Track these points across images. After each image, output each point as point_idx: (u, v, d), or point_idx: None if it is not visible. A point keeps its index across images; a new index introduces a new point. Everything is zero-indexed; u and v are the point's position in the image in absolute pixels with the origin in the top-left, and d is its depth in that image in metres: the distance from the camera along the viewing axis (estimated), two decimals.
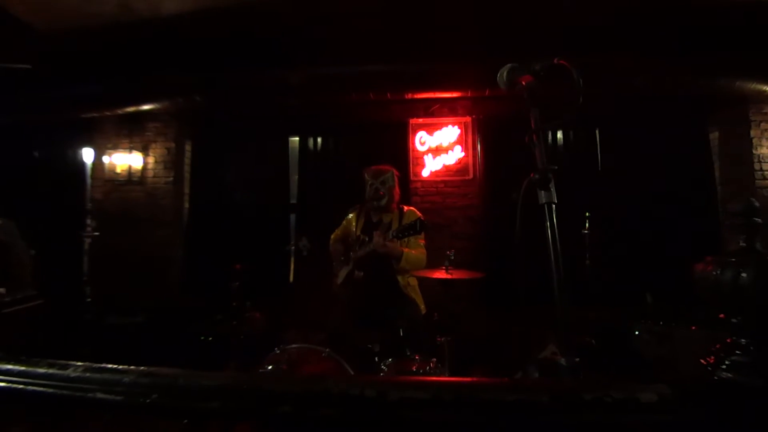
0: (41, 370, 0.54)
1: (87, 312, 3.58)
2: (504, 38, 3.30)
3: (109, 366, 0.53)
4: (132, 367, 0.50)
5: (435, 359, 2.17)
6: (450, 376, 2.14)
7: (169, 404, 0.45)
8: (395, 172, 2.68)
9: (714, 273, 0.53)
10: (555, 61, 0.89)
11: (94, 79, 3.93)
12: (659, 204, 3.87)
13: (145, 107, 4.08)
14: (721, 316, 0.53)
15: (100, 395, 0.48)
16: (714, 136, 4.03)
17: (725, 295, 0.51)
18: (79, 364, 0.54)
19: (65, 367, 0.54)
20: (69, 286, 3.71)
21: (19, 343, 2.85)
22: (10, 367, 0.57)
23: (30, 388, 0.53)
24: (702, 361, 0.50)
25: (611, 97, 3.67)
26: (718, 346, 0.52)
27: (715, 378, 0.47)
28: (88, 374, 0.52)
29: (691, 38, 3.33)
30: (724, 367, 0.48)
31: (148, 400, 0.45)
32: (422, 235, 2.52)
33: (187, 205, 4.62)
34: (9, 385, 0.53)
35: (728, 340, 0.51)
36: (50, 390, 0.51)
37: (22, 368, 0.56)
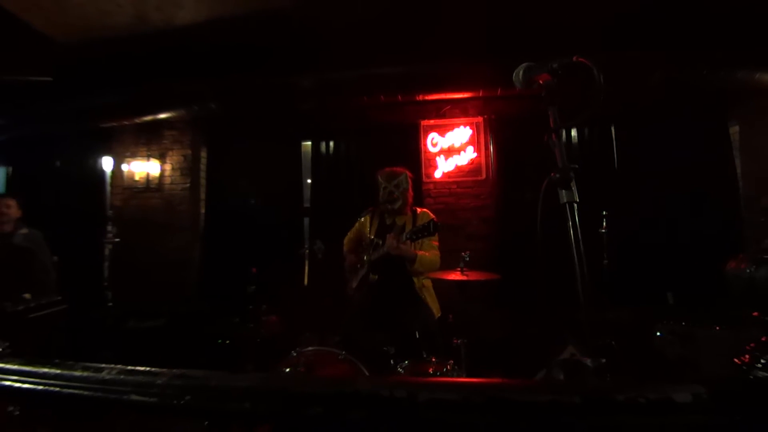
0: (77, 373, 0.55)
1: (108, 316, 3.66)
2: (515, 37, 3.28)
3: (142, 368, 0.54)
4: (164, 369, 0.51)
5: (451, 361, 2.16)
6: (467, 377, 2.13)
7: (202, 405, 0.46)
8: (408, 174, 2.68)
9: (747, 270, 0.52)
10: (574, 59, 0.88)
11: (112, 89, 4.03)
12: (678, 201, 3.78)
13: (162, 116, 4.18)
14: (755, 314, 0.52)
15: (134, 397, 0.49)
16: (734, 130, 3.92)
17: (759, 292, 0.49)
18: (113, 366, 0.56)
19: (99, 370, 0.56)
20: (90, 291, 3.80)
21: (44, 347, 2.93)
22: (46, 370, 0.59)
23: (66, 391, 0.55)
24: (736, 360, 0.49)
25: (627, 92, 3.60)
26: (752, 345, 0.50)
27: (751, 377, 0.46)
28: (122, 377, 0.53)
29: (709, 31, 3.26)
30: (759, 366, 0.47)
31: (181, 402, 0.46)
32: (436, 237, 2.51)
33: (203, 210, 4.70)
34: (47, 388, 0.55)
35: (763, 339, 0.49)
36: (86, 393, 0.52)
37: (58, 371, 0.58)
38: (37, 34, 3.47)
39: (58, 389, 0.55)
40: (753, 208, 3.60)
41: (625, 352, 2.78)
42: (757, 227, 3.45)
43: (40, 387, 0.55)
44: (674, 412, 0.42)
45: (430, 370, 2.10)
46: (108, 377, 0.53)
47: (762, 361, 0.46)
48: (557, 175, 0.83)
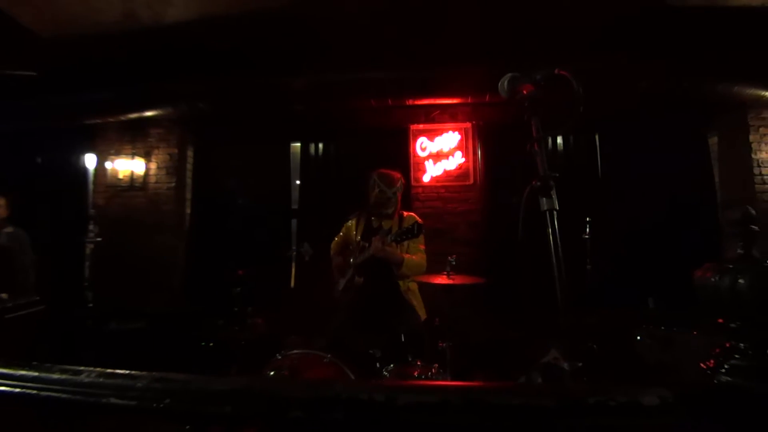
0: (55, 376, 0.55)
1: (89, 317, 3.58)
2: (504, 44, 3.34)
3: (122, 371, 0.54)
4: (144, 372, 0.51)
5: (437, 365, 2.17)
6: (452, 380, 2.14)
7: (182, 409, 0.46)
8: (403, 180, 2.70)
9: (713, 279, 0.54)
10: (555, 71, 0.91)
11: (98, 86, 3.97)
12: (660, 208, 3.88)
13: (148, 113, 4.12)
14: (720, 321, 0.55)
15: (114, 400, 0.49)
16: (713, 140, 4.05)
17: (724, 300, 0.52)
18: (92, 369, 0.55)
19: (78, 372, 0.55)
20: (71, 292, 3.71)
21: (21, 349, 2.85)
22: (23, 372, 0.58)
23: (44, 393, 0.54)
24: (702, 365, 0.51)
25: (611, 102, 3.70)
26: (717, 350, 0.53)
27: (715, 382, 0.48)
28: (101, 380, 0.53)
29: (690, 43, 3.37)
30: (723, 371, 0.49)
31: (161, 405, 0.46)
32: (422, 240, 2.53)
33: (189, 210, 4.64)
34: (24, 391, 0.55)
35: (727, 345, 0.52)
36: (64, 396, 0.52)
37: (36, 374, 0.57)
38: (24, 29, 3.39)
39: (35, 392, 0.54)
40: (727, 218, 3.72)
41: (606, 355, 2.84)
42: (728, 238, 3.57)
43: (18, 389, 0.54)
44: (642, 414, 0.43)
45: (416, 374, 2.11)
46: (87, 380, 0.53)
47: (725, 366, 0.48)
48: (538, 184, 0.85)
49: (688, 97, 3.65)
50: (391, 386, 0.46)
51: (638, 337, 2.96)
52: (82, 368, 0.55)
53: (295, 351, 2.14)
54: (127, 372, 0.52)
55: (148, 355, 3.51)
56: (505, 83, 1.04)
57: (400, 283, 2.52)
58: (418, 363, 2.15)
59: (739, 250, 0.56)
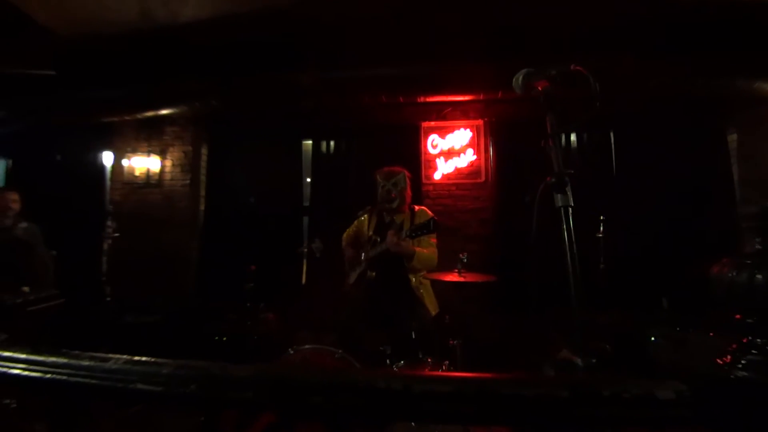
0: (84, 363, 0.57)
1: (105, 311, 3.67)
2: (516, 41, 3.31)
3: (147, 359, 0.56)
4: (169, 360, 0.53)
5: (447, 362, 2.18)
6: None
7: (206, 394, 0.48)
8: (407, 173, 2.69)
9: (730, 274, 0.54)
10: (572, 67, 0.90)
11: (115, 84, 4.05)
12: (676, 207, 3.81)
13: (164, 112, 4.19)
14: (737, 316, 0.54)
15: (140, 386, 0.51)
16: (732, 137, 3.96)
17: (741, 296, 0.51)
18: (119, 356, 0.58)
19: (106, 359, 0.58)
20: (88, 286, 3.80)
21: (40, 340, 2.94)
22: (54, 359, 0.61)
23: (74, 379, 0.57)
24: (718, 360, 0.51)
25: (626, 98, 3.64)
26: (734, 346, 0.53)
27: (732, 377, 0.48)
28: (128, 366, 0.55)
29: (709, 38, 3.29)
30: (740, 366, 0.49)
31: (187, 390, 0.48)
32: (434, 235, 2.52)
33: (202, 207, 4.72)
34: (55, 377, 0.57)
35: (744, 340, 0.52)
36: (94, 381, 0.54)
37: (66, 360, 0.60)
38: (41, 28, 3.48)
39: (65, 377, 0.57)
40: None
41: (619, 355, 2.81)
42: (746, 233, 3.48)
43: (49, 375, 0.57)
44: (657, 407, 0.44)
45: (426, 370, 2.12)
46: (114, 367, 0.55)
47: (743, 361, 0.48)
48: (553, 180, 0.85)
49: (707, 93, 3.57)
50: (407, 375, 0.48)
51: (652, 338, 2.92)
52: (109, 355, 0.58)
53: (306, 346, 2.17)
54: (153, 359, 0.54)
55: (163, 349, 3.59)
56: (520, 79, 1.04)
57: (412, 278, 2.52)
58: (429, 360, 2.16)
59: (756, 246, 0.55)
